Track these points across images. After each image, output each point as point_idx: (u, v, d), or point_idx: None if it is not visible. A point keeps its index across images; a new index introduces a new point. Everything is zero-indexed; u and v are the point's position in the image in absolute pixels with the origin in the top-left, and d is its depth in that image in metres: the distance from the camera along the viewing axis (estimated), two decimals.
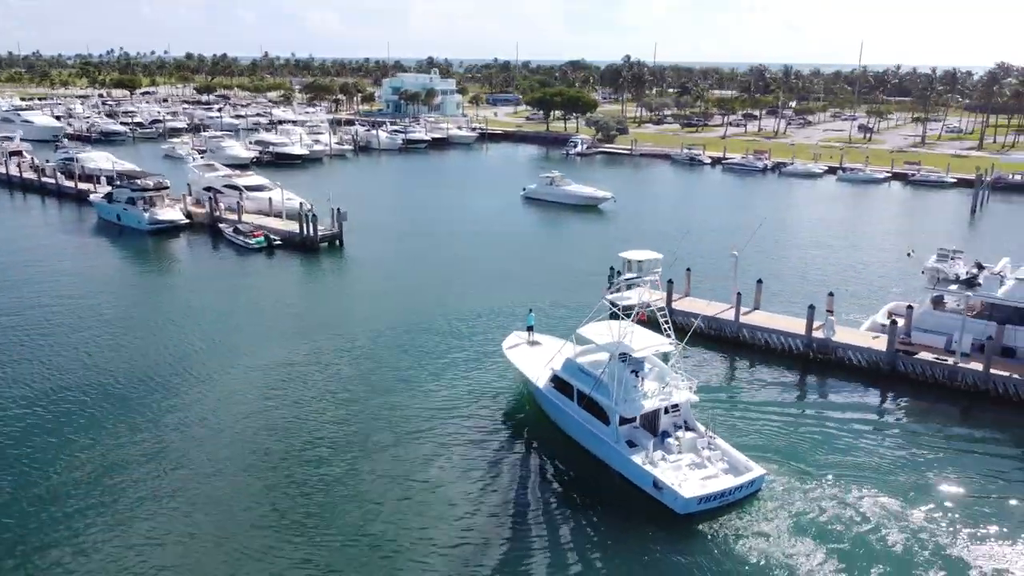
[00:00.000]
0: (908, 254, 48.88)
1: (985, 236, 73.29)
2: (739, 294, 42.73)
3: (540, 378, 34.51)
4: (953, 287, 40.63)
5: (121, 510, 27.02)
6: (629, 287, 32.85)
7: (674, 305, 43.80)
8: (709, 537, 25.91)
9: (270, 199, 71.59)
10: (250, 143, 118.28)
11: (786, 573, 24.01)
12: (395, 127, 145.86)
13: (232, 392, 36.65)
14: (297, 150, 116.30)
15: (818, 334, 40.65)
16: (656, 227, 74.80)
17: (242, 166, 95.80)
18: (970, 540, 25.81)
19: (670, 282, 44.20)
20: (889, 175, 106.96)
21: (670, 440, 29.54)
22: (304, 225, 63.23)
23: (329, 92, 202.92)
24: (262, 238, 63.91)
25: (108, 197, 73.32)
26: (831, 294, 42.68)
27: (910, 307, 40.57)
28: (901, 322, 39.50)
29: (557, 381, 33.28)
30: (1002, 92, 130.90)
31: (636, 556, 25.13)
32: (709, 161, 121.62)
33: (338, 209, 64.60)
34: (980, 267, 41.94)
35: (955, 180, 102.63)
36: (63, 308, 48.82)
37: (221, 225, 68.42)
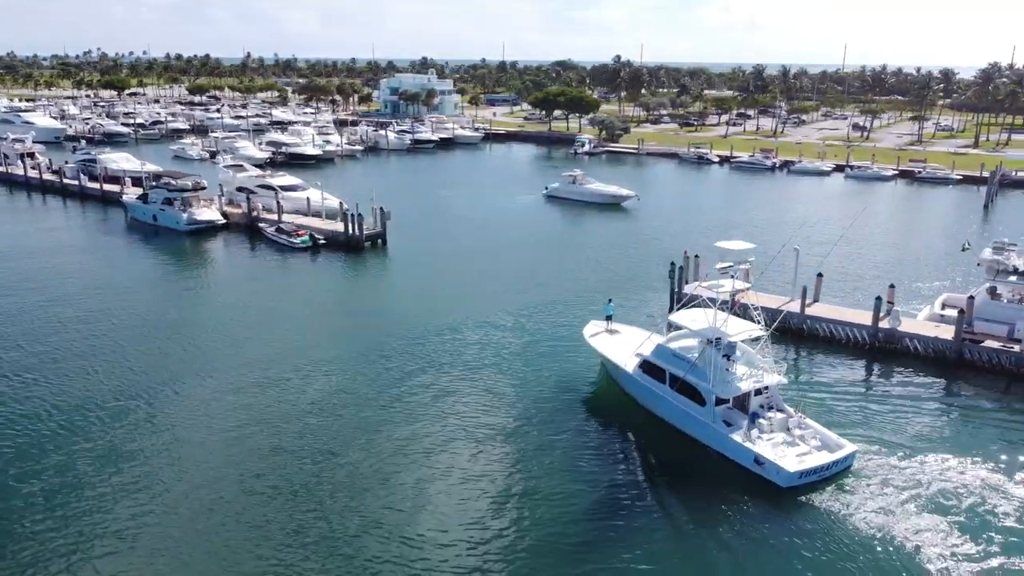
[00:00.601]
0: (963, 248, 50.84)
1: (1001, 230, 75.64)
2: (804, 287, 44.26)
3: (628, 364, 35.90)
4: (1012, 278, 42.43)
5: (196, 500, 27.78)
6: (723, 275, 34.40)
7: (686, 312, 44.93)
8: (811, 510, 27.32)
9: (308, 199, 72.16)
10: (262, 144, 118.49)
11: (888, 545, 25.33)
12: (402, 127, 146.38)
13: (313, 390, 37.33)
14: (311, 150, 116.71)
15: (883, 324, 42.28)
16: (687, 224, 76.53)
17: (258, 167, 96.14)
18: None
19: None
20: (896, 172, 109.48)
21: (761, 420, 31.08)
22: (350, 224, 63.94)
23: (326, 93, 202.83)
24: (307, 237, 64.56)
25: (143, 198, 73.52)
26: (892, 286, 44.42)
27: (971, 298, 42.32)
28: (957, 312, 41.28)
29: (647, 366, 34.69)
30: (996, 91, 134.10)
31: (740, 530, 26.40)
32: (717, 160, 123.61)
33: (381, 208, 65.43)
34: None
35: (960, 177, 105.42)
36: (120, 308, 49.14)
37: (261, 225, 68.94)
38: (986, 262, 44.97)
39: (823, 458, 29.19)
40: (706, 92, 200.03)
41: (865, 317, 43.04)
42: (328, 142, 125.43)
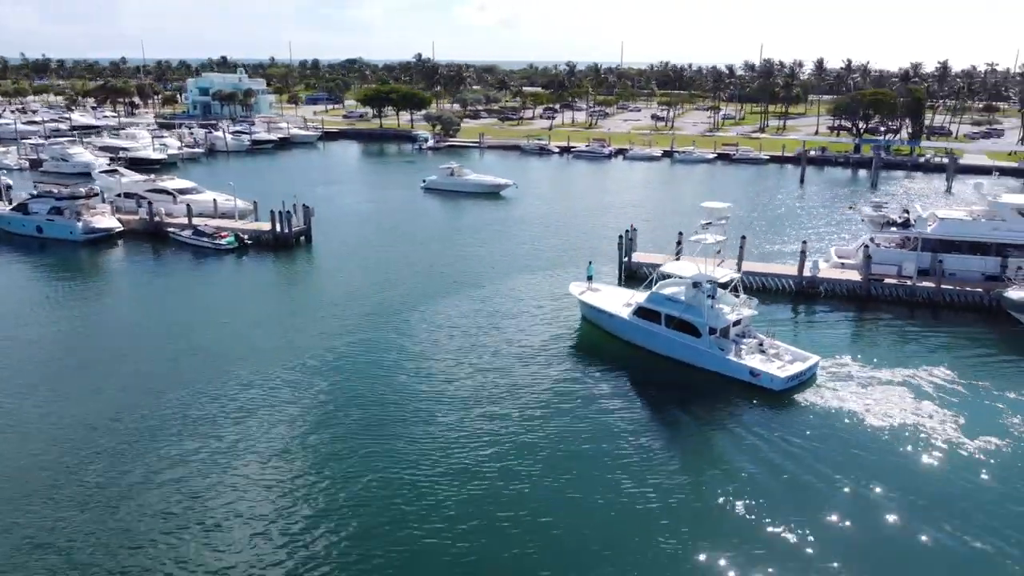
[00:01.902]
0: (850, 207, 61.90)
1: (816, 198, 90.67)
2: (742, 247, 52.49)
3: (622, 312, 43.01)
4: (893, 229, 53.36)
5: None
6: (705, 229, 42.53)
7: (675, 263, 52.54)
8: (798, 406, 35.60)
9: (215, 200, 70.53)
10: (91, 148, 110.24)
11: (857, 422, 33.92)
12: (237, 128, 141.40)
13: (293, 378, 39.57)
14: (153, 154, 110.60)
15: (806, 273, 51.57)
16: (573, 206, 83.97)
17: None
18: (958, 398, 37.30)
19: (680, 243, 53.10)
20: (715, 155, 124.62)
21: (743, 344, 39.22)
22: (278, 222, 63.96)
23: (124, 94, 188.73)
24: (232, 238, 63.64)
25: (21, 208, 67.80)
26: (804, 242, 53.90)
27: (865, 247, 52.64)
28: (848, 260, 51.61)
29: (643, 311, 41.85)
30: (774, 85, 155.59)
31: (749, 426, 33.73)
32: (557, 150, 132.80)
33: (305, 205, 66.00)
34: (907, 212, 55.18)
35: (768, 157, 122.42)
36: (47, 330, 46.99)
37: (171, 230, 66.58)
38: (869, 217, 55.77)
39: (799, 367, 37.48)
40: (525, 88, 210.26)
41: (791, 269, 52.10)
42: (165, 145, 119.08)
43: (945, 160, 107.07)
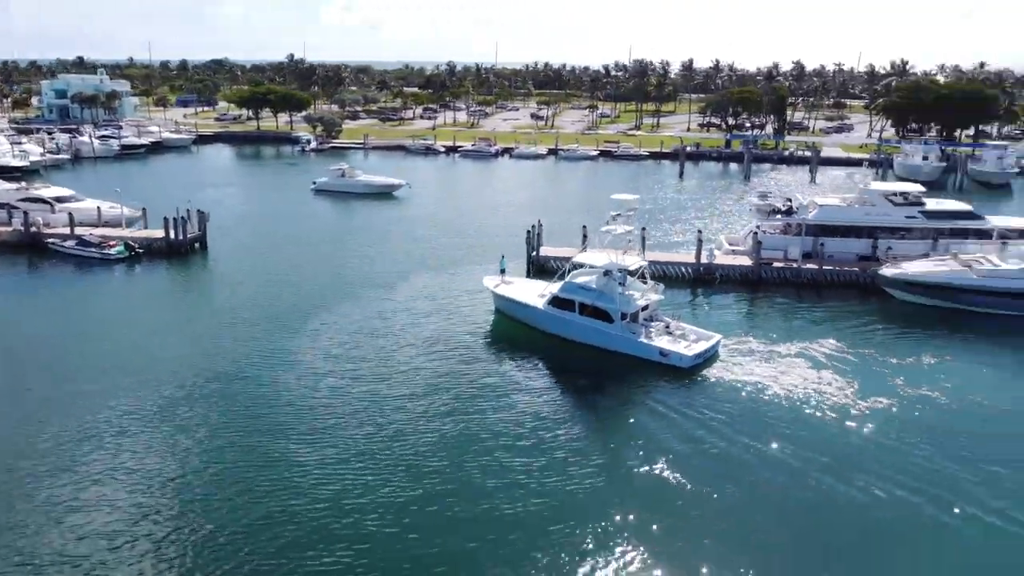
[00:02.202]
0: (741, 196, 65.69)
1: (698, 190, 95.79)
2: (643, 238, 55.07)
3: (536, 302, 44.63)
4: (778, 216, 57.43)
5: None
6: (614, 220, 44.97)
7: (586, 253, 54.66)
8: (706, 381, 38.54)
9: (98, 208, 66.91)
10: None
11: (759, 392, 37.00)
12: (104, 133, 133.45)
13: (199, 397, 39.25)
14: (13, 161, 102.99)
15: (703, 260, 54.78)
16: (469, 204, 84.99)
17: None
18: (847, 365, 41.24)
19: (585, 236, 55.07)
20: (598, 152, 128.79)
21: (651, 327, 41.90)
22: (171, 229, 61.47)
23: None
24: (122, 247, 60.63)
25: None
26: (700, 232, 57.14)
27: (754, 234, 56.40)
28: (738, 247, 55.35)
29: (557, 300, 43.62)
30: (647, 84, 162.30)
31: (662, 400, 36.27)
32: (444, 150, 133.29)
33: (200, 211, 63.78)
34: (790, 200, 59.45)
35: (648, 153, 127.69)
36: None
37: (50, 241, 62.60)
38: (756, 206, 59.73)
39: (704, 345, 40.43)
40: (405, 89, 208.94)
41: (689, 257, 55.19)
42: (26, 152, 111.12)
43: (808, 153, 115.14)
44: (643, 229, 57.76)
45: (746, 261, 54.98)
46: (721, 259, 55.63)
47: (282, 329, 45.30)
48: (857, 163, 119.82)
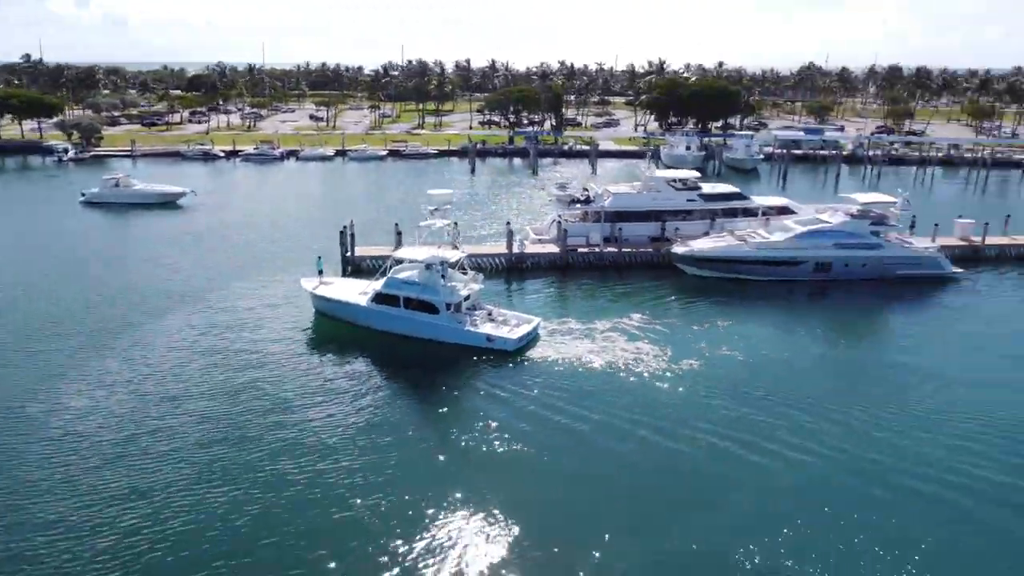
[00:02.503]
0: (543, 188, 68.78)
1: (492, 185, 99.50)
2: (456, 232, 56.41)
3: (359, 300, 45.03)
4: (578, 205, 61.40)
5: None
6: (432, 215, 46.85)
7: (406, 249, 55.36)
8: (531, 361, 41.06)
9: None
10: None
11: (580, 366, 40.22)
12: None
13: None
14: None
15: (515, 250, 57.38)
16: (259, 210, 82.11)
17: None
18: (655, 334, 46.03)
19: (400, 233, 55.60)
20: (387, 152, 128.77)
21: (475, 316, 43.94)
22: None
23: None
24: None
25: None
26: (509, 223, 59.75)
27: (558, 223, 59.92)
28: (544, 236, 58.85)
29: (381, 296, 44.31)
30: (428, 84, 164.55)
31: (492, 382, 38.47)
32: (223, 154, 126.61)
33: None
34: (587, 190, 63.64)
35: (437, 151, 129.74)
36: None
37: None
38: (557, 197, 63.36)
39: (526, 328, 43.04)
40: (172, 92, 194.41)
41: (501, 248, 57.55)
42: None
43: (587, 147, 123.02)
44: (455, 223, 59.17)
45: (553, 249, 58.32)
46: (530, 248, 58.54)
47: (90, 349, 41.93)
48: (630, 155, 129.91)
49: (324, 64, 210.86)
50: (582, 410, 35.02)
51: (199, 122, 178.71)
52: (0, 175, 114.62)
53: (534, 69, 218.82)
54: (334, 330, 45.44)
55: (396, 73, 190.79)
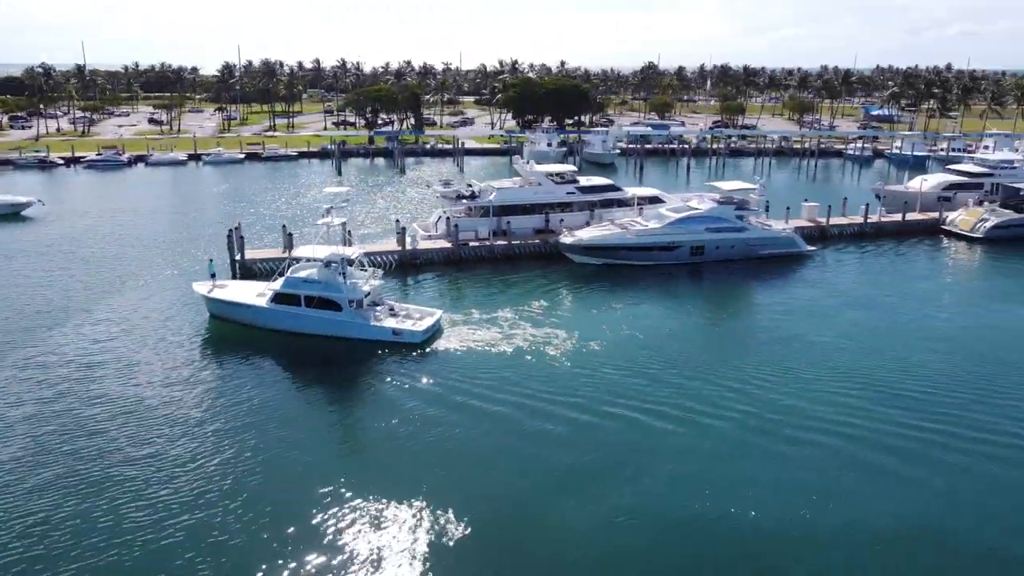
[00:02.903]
0: (428, 185, 69.49)
1: (362, 184, 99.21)
2: (346, 232, 56.61)
3: (258, 302, 44.71)
4: (465, 201, 62.98)
5: None
6: (328, 213, 47.19)
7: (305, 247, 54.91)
8: (435, 352, 42.19)
9: None
10: None
11: (486, 350, 42.00)
12: None
13: None
14: None
15: (408, 247, 58.23)
16: (119, 219, 77.99)
17: None
18: (553, 319, 48.82)
19: (290, 235, 55.04)
20: (244, 155, 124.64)
21: (377, 311, 44.67)
22: None
23: None
24: None
25: None
26: (397, 220, 60.44)
27: (447, 218, 61.28)
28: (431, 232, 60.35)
29: (280, 297, 44.23)
30: (277, 85, 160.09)
31: (399, 373, 39.47)
32: (62, 162, 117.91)
33: None
34: (471, 186, 65.27)
35: (297, 153, 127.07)
36: None
37: None
38: (443, 193, 64.60)
39: (430, 321, 44.09)
40: None
41: (394, 245, 58.23)
42: None
43: (448, 146, 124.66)
44: (344, 223, 59.18)
45: (445, 244, 59.63)
46: (422, 245, 59.55)
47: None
48: (492, 152, 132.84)
49: (164, 64, 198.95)
50: (496, 393, 36.38)
51: (22, 127, 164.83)
52: None
53: (380, 69, 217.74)
54: (232, 332, 44.75)
55: (240, 75, 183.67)
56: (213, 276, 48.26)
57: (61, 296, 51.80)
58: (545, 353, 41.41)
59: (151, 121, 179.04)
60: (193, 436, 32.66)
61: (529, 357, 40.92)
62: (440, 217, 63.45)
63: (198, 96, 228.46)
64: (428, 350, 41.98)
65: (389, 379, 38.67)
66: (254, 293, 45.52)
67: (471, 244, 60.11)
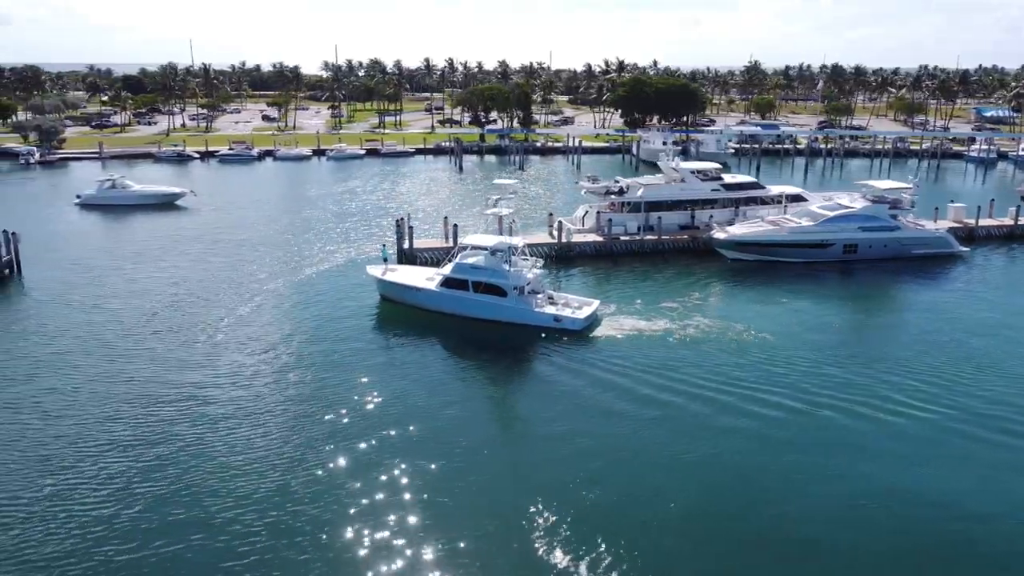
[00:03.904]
0: (577, 183, 71.74)
1: (488, 179, 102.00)
2: (502, 223, 59.20)
3: (428, 285, 47.28)
4: (612, 197, 64.79)
5: None
6: (496, 204, 50.35)
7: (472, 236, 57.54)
8: (595, 339, 43.71)
9: None
10: None
11: (643, 340, 43.17)
12: None
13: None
14: None
15: (563, 240, 60.43)
16: (270, 209, 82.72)
17: None
18: (716, 311, 49.90)
19: (455, 226, 57.85)
20: (365, 151, 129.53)
21: (537, 298, 46.49)
22: None
23: None
24: None
25: None
26: (551, 214, 62.68)
27: (599, 213, 63.14)
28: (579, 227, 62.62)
29: (449, 281, 46.68)
30: (387, 85, 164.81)
31: (559, 360, 40.86)
32: (198, 156, 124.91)
33: (9, 232, 55.81)
34: (617, 181, 67.04)
35: (414, 149, 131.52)
36: None
37: None
38: (590, 189, 66.57)
39: (589, 310, 45.63)
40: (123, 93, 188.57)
41: (544, 237, 60.75)
42: None
43: (559, 144, 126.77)
44: (500, 218, 61.72)
45: (597, 238, 61.54)
46: (576, 238, 61.63)
47: (181, 345, 42.86)
48: (602, 151, 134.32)
49: (276, 64, 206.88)
50: (661, 381, 37.38)
51: (148, 124, 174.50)
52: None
53: (489, 69, 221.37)
54: (400, 314, 47.41)
55: (355, 73, 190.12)
56: (385, 260, 51.46)
57: (238, 278, 55.68)
58: (709, 345, 42.21)
59: (264, 118, 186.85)
60: (362, 408, 35.01)
61: (692, 349, 41.81)
62: (587, 212, 65.33)
63: (300, 95, 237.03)
64: (590, 337, 43.60)
65: (555, 360, 40.52)
66: (423, 277, 48.24)
67: (621, 239, 61.81)
